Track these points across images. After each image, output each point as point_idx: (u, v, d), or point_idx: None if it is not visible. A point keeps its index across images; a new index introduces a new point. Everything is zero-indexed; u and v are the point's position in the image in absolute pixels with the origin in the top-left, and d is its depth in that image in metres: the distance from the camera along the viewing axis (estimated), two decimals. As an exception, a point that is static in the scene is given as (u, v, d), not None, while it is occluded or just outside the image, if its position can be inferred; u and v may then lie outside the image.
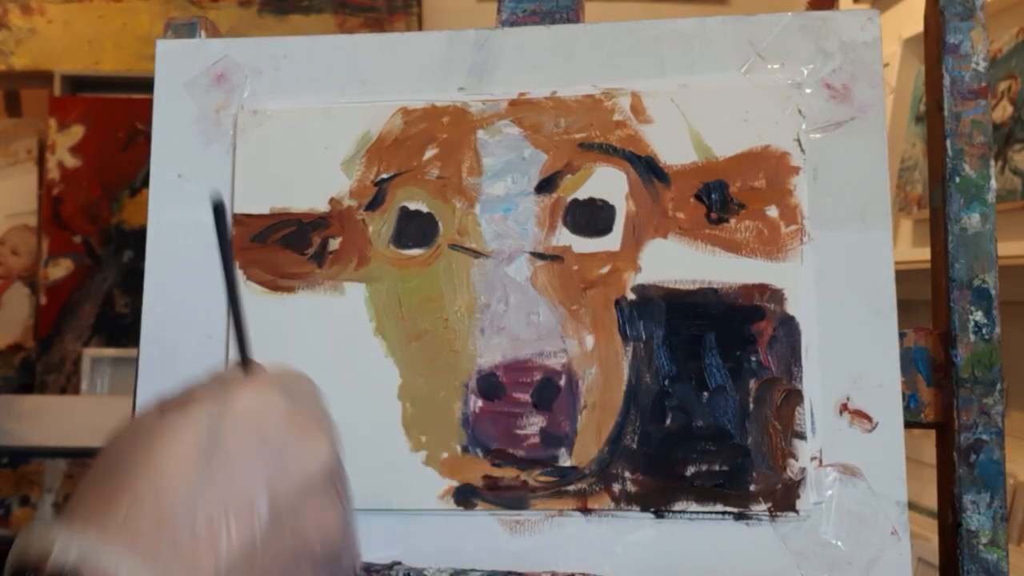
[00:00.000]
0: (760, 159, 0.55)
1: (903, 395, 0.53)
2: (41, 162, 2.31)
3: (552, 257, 0.55)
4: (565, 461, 0.53)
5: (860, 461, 0.52)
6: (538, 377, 0.54)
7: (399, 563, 0.53)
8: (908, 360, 0.54)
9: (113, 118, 2.27)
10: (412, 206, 0.57)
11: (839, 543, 0.51)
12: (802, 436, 0.52)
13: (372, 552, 0.54)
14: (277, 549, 0.32)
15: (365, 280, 0.57)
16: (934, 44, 0.56)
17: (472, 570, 0.52)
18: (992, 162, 0.54)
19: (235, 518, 0.31)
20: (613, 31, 0.58)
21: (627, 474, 0.53)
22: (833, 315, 0.53)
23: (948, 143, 0.54)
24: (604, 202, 0.56)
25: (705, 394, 0.53)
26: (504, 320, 0.55)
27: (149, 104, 0.61)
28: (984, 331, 0.53)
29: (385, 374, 0.56)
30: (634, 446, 0.53)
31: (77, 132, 2.27)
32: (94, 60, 2.37)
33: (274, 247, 0.58)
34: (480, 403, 0.55)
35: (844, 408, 0.52)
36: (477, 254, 0.56)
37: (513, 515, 0.54)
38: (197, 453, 0.31)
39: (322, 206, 0.58)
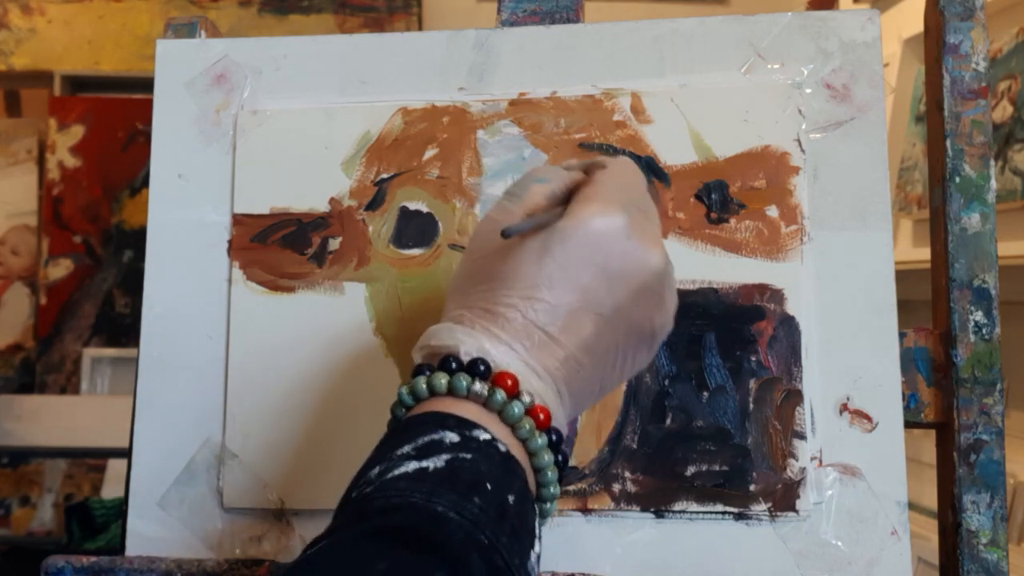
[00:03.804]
0: (760, 159, 0.55)
1: (903, 395, 0.53)
2: (41, 162, 2.31)
3: (552, 257, 0.55)
4: (565, 461, 0.53)
5: (860, 461, 0.52)
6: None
7: (399, 563, 0.53)
8: (908, 360, 0.54)
9: (113, 118, 2.27)
10: (412, 206, 0.57)
11: (839, 543, 0.51)
12: (802, 436, 0.52)
13: (372, 552, 0.54)
14: (612, 338, 0.41)
15: (365, 280, 0.57)
16: (934, 44, 0.56)
17: (472, 570, 0.52)
18: (992, 162, 0.54)
19: (582, 321, 0.40)
20: (613, 31, 0.58)
21: (627, 474, 0.53)
22: (833, 315, 0.53)
23: (948, 143, 0.54)
24: (604, 202, 0.56)
25: (705, 394, 0.53)
26: (504, 320, 0.55)
27: (149, 104, 0.61)
28: (984, 331, 0.53)
29: (385, 374, 0.56)
30: (634, 446, 0.53)
31: (77, 132, 2.27)
32: (94, 60, 2.37)
33: (274, 247, 0.58)
34: (480, 403, 0.54)
35: (844, 408, 0.52)
36: (477, 254, 0.56)
37: (513, 515, 0.53)
38: (553, 272, 0.40)
39: (322, 206, 0.58)
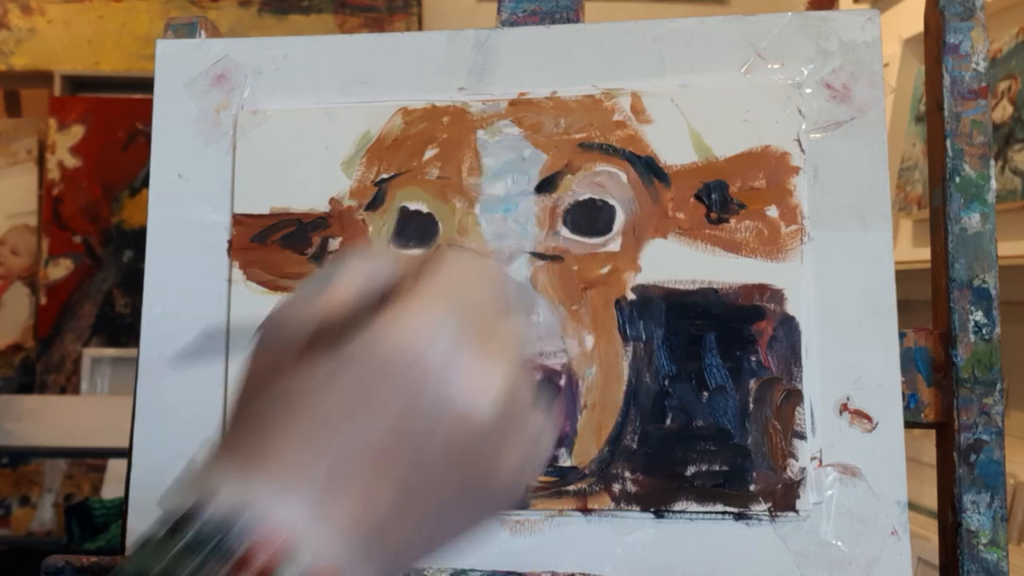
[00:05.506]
0: (760, 159, 0.55)
1: (903, 395, 0.53)
2: (41, 162, 2.31)
3: (552, 257, 0.55)
4: (565, 461, 0.53)
5: (860, 461, 0.52)
6: (538, 377, 0.54)
7: (399, 563, 0.53)
8: (908, 360, 0.54)
9: (113, 118, 2.27)
10: (412, 206, 0.57)
11: (839, 543, 0.51)
12: (802, 436, 0.52)
13: (372, 552, 0.54)
14: (436, 486, 0.31)
15: (365, 280, 0.57)
16: (934, 44, 0.56)
17: (472, 570, 0.52)
18: (992, 162, 0.54)
19: (384, 464, 0.31)
20: (613, 31, 0.58)
21: (627, 474, 0.53)
22: (833, 315, 0.53)
23: (948, 143, 0.54)
24: (604, 202, 0.56)
25: (705, 394, 0.53)
26: (504, 320, 0.55)
27: (149, 104, 0.61)
28: (984, 331, 0.53)
29: (385, 374, 0.56)
30: (634, 446, 0.53)
31: (77, 132, 2.27)
32: (94, 60, 2.37)
33: (274, 247, 0.58)
34: (480, 403, 0.54)
35: (844, 408, 0.52)
36: (477, 254, 0.56)
37: (513, 515, 0.54)
38: (343, 405, 0.31)
39: (322, 206, 0.58)
